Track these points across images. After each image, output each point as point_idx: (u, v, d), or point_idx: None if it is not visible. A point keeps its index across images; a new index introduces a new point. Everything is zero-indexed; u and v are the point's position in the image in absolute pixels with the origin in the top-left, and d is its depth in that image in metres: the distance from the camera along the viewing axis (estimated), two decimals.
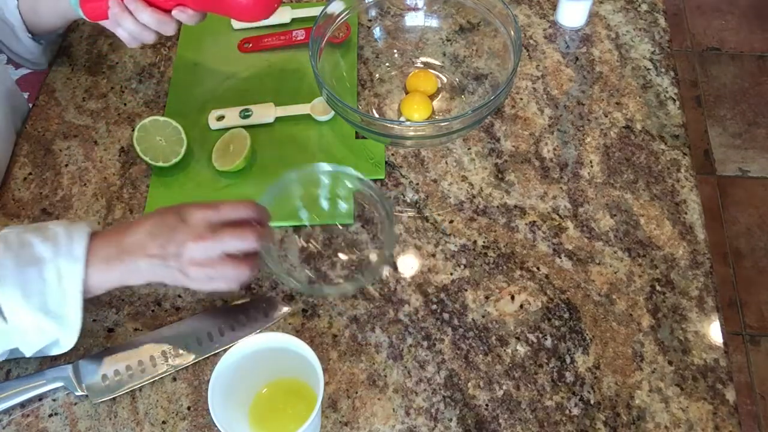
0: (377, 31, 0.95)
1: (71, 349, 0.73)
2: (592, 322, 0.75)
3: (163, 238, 0.68)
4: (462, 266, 0.79)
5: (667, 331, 0.74)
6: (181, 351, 0.74)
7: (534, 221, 0.82)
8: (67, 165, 0.88)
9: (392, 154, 0.87)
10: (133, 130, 0.87)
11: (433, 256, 0.80)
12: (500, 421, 0.70)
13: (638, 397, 0.71)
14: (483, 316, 0.75)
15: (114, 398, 0.72)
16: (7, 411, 0.71)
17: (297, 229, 0.81)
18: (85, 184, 0.87)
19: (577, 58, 0.95)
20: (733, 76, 2.08)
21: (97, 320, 0.77)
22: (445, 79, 0.92)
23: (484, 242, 0.80)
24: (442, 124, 0.79)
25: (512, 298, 0.77)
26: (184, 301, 0.78)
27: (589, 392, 0.71)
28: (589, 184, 0.84)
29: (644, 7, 1.00)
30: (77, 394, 0.72)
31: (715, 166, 1.91)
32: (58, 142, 0.91)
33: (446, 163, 0.87)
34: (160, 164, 0.86)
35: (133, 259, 0.68)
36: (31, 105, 0.96)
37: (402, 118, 0.90)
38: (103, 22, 0.82)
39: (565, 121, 0.90)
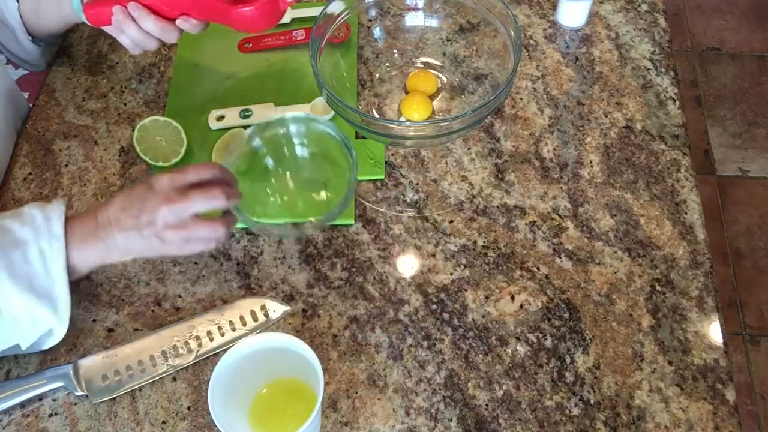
0: (377, 31, 0.95)
1: (71, 350, 0.73)
2: (592, 322, 0.75)
3: (134, 209, 0.69)
4: (462, 266, 0.79)
5: (667, 331, 0.74)
6: (181, 351, 0.74)
7: (534, 221, 0.82)
8: (67, 165, 0.88)
9: (392, 154, 0.87)
10: (133, 130, 0.87)
11: (433, 256, 0.80)
12: (500, 421, 0.70)
13: (638, 397, 0.71)
14: (483, 316, 0.75)
15: (114, 398, 0.72)
16: (7, 411, 0.71)
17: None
18: (85, 184, 0.87)
19: (577, 58, 0.95)
20: (733, 76, 2.08)
21: (97, 320, 0.77)
22: (445, 79, 0.92)
23: (484, 242, 0.80)
24: (442, 124, 0.79)
25: (512, 298, 0.77)
26: (184, 301, 0.78)
27: (589, 392, 0.71)
28: (589, 184, 0.84)
29: (644, 7, 1.00)
30: (77, 394, 0.72)
31: (715, 166, 1.91)
32: (58, 142, 0.91)
33: (446, 163, 0.87)
34: (160, 164, 0.86)
35: (108, 234, 0.70)
36: (31, 105, 0.96)
37: (402, 118, 0.90)
38: (106, 28, 0.82)
39: (565, 121, 0.90)
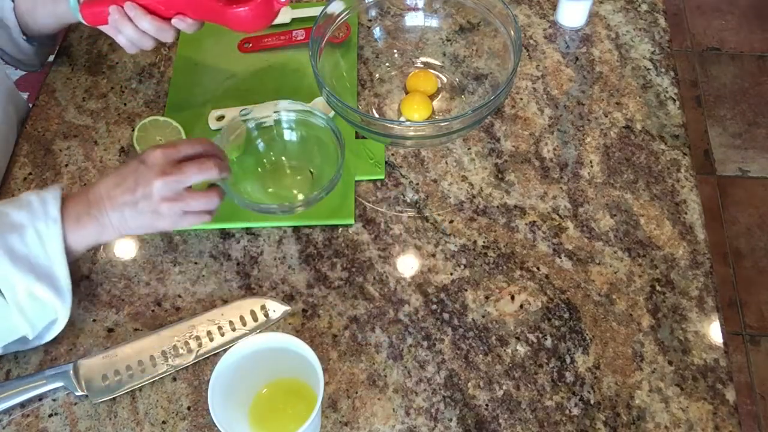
0: (377, 31, 0.95)
1: (71, 350, 0.73)
2: (592, 322, 0.75)
3: (128, 183, 0.70)
4: (462, 266, 0.79)
5: (667, 331, 0.74)
6: (181, 351, 0.74)
7: (534, 221, 0.82)
8: (67, 165, 0.88)
9: (392, 154, 0.87)
10: (133, 130, 0.87)
11: (433, 256, 0.80)
12: (500, 421, 0.70)
13: (638, 397, 0.71)
14: (483, 316, 0.75)
15: (114, 398, 0.72)
16: (7, 411, 0.71)
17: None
18: (85, 184, 0.87)
19: (577, 58, 0.95)
20: (733, 76, 2.08)
21: (97, 320, 0.77)
22: (445, 79, 0.92)
23: (484, 242, 0.80)
24: (442, 124, 0.79)
25: (512, 298, 0.77)
26: (184, 301, 0.78)
27: (589, 392, 0.71)
28: (589, 184, 0.84)
29: (644, 7, 1.00)
30: (77, 394, 0.72)
31: (715, 166, 1.91)
32: (58, 142, 0.91)
33: (446, 163, 0.87)
34: None
35: (101, 212, 0.70)
36: (31, 105, 0.96)
37: (402, 118, 0.90)
38: (103, 28, 0.82)
39: (565, 121, 0.90)
